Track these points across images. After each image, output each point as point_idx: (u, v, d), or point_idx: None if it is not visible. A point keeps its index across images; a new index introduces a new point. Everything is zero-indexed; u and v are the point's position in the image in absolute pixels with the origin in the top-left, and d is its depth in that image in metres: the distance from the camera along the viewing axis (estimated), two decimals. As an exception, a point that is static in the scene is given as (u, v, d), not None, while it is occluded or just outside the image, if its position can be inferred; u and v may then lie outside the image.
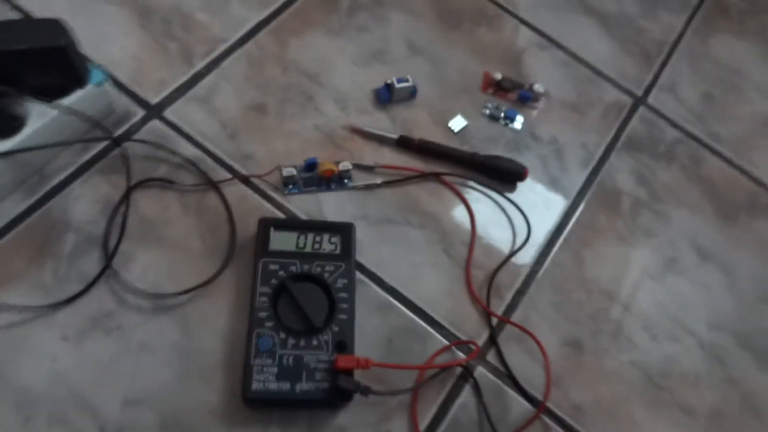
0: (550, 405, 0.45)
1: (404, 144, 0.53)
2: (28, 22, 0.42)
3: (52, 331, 0.42)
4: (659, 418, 0.47)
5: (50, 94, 0.43)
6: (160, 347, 0.42)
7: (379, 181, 0.51)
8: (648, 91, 0.63)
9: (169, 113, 0.51)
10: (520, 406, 0.45)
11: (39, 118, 0.43)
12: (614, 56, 0.64)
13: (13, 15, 0.51)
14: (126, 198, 0.46)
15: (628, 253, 0.53)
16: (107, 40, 0.52)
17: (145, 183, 0.47)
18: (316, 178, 0.50)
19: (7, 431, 0.38)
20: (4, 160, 0.42)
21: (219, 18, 0.56)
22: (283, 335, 0.42)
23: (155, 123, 0.50)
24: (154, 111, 0.51)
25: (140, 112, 0.50)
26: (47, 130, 0.44)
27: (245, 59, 0.55)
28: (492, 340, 0.47)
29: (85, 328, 0.42)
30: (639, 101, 0.62)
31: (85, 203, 0.46)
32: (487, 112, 0.57)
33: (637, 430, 0.46)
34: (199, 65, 0.53)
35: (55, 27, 0.41)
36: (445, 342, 0.46)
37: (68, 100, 0.44)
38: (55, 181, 0.46)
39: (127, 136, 0.49)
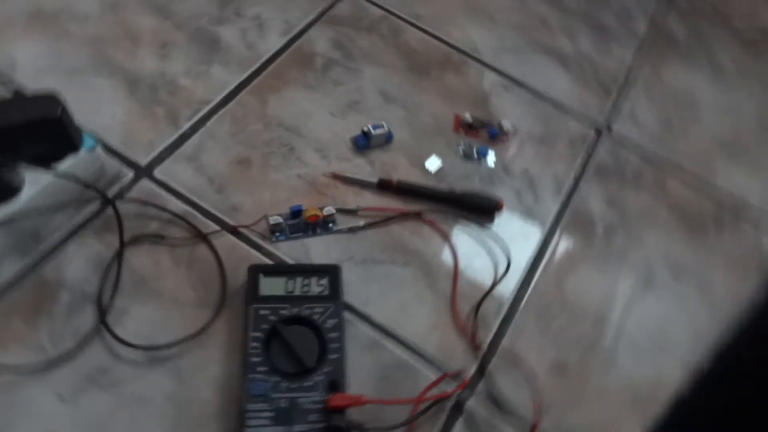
0: (541, 430, 0.46)
1: (384, 186, 0.55)
2: (23, 97, 0.45)
3: (48, 391, 0.42)
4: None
5: (45, 160, 0.46)
6: (155, 399, 0.43)
7: (362, 223, 0.53)
8: (609, 120, 0.67)
9: (158, 172, 0.53)
10: (513, 434, 0.46)
11: (34, 185, 0.46)
12: (574, 91, 0.68)
13: (7, 92, 0.54)
14: (119, 255, 0.48)
15: (606, 275, 0.55)
16: (98, 108, 0.55)
17: (136, 240, 0.49)
18: (302, 224, 0.52)
19: (5, 495, 0.38)
20: (1, 226, 0.44)
21: (201, 82, 0.59)
22: (276, 378, 0.43)
23: (145, 182, 0.52)
24: (144, 171, 0.53)
25: (131, 173, 0.53)
26: (42, 195, 0.46)
27: (228, 118, 0.58)
28: (481, 371, 0.48)
29: (80, 385, 0.43)
30: (602, 130, 0.65)
31: (79, 262, 0.47)
32: (461, 151, 0.60)
33: (632, 449, 0.47)
34: (185, 126, 0.56)
35: (49, 100, 0.44)
36: (435, 376, 0.47)
37: (62, 166, 0.46)
38: (49, 243, 0.48)
39: (119, 196, 0.51)
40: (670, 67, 0.73)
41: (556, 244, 0.56)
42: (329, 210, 0.52)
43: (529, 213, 0.58)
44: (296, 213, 0.52)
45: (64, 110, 0.44)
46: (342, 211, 0.54)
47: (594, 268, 0.55)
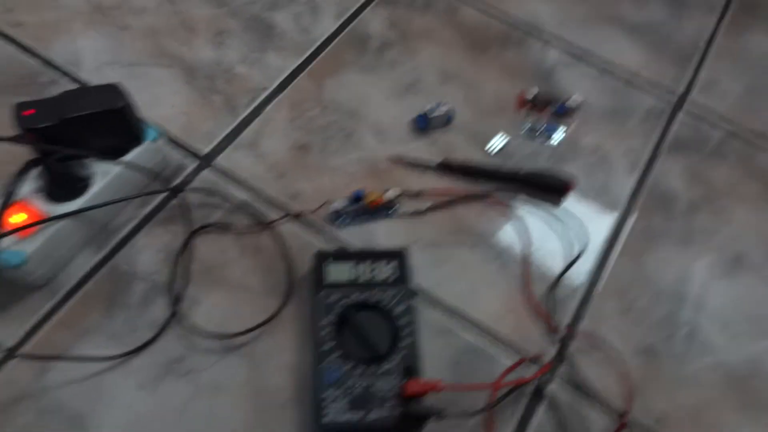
0: (633, 417, 0.44)
1: (446, 168, 0.54)
2: (87, 89, 0.45)
3: (127, 379, 0.43)
4: (751, 421, 0.44)
5: (111, 154, 0.46)
6: (231, 387, 0.43)
7: (425, 206, 0.52)
8: (687, 91, 0.62)
9: (219, 161, 0.53)
10: (600, 420, 0.44)
11: (103, 177, 0.46)
12: (647, 62, 0.64)
13: (73, 86, 0.55)
14: (186, 245, 0.48)
15: (690, 254, 0.52)
16: (158, 100, 0.56)
17: (202, 229, 0.49)
18: (364, 208, 0.51)
19: (91, 481, 0.39)
20: (74, 219, 0.45)
21: (257, 69, 0.59)
22: (349, 365, 0.42)
23: (207, 172, 0.52)
24: (205, 161, 0.53)
25: (192, 163, 0.53)
26: (111, 187, 0.46)
27: (286, 104, 0.57)
28: (561, 354, 0.46)
29: (158, 374, 0.43)
30: (679, 102, 0.61)
31: (149, 253, 0.48)
32: (525, 129, 0.57)
33: (728, 437, 0.44)
34: (243, 114, 0.56)
35: (112, 91, 0.44)
36: (513, 360, 0.45)
37: (127, 158, 0.47)
38: (120, 236, 0.49)
39: (182, 186, 0.51)
40: (753, 33, 0.68)
41: (634, 222, 0.53)
42: (391, 194, 0.51)
43: (602, 191, 0.55)
44: (358, 197, 0.51)
45: (127, 100, 0.44)
46: (405, 194, 0.52)
47: (677, 246, 0.52)
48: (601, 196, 0.54)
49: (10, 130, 0.42)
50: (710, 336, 0.48)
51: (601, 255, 0.51)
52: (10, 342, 0.43)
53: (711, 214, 0.54)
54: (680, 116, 0.60)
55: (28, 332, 0.44)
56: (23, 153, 0.43)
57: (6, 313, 0.44)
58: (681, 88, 0.62)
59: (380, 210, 0.51)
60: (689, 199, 0.55)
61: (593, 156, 0.57)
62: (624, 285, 0.50)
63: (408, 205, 0.52)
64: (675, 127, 0.59)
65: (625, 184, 0.55)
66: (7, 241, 0.42)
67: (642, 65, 0.64)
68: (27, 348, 0.43)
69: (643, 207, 0.54)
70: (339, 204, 0.50)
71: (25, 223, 0.43)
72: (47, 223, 0.43)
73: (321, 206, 0.51)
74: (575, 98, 0.58)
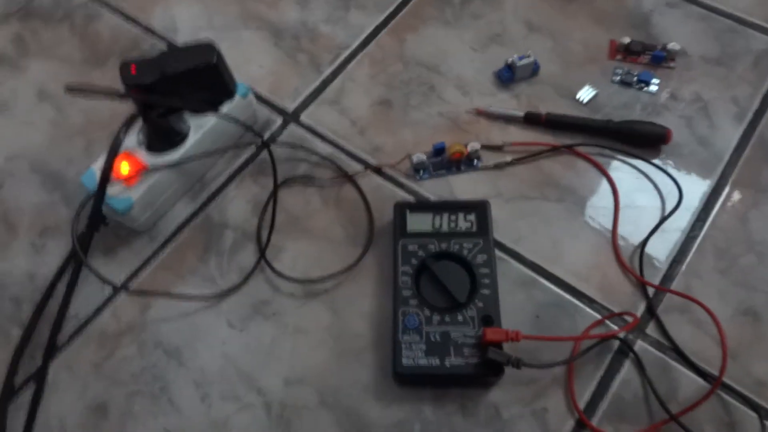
0: (727, 380, 0.41)
1: (532, 120, 0.52)
2: (184, 48, 0.48)
3: (219, 318, 0.46)
4: None
5: (205, 107, 0.49)
6: (313, 330, 0.45)
7: (509, 159, 0.50)
8: (806, 33, 0.56)
9: (304, 117, 0.55)
10: (690, 382, 0.41)
11: (198, 130, 0.49)
12: (760, 1, 0.58)
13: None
14: (273, 196, 0.50)
15: (805, 211, 0.47)
16: (248, 60, 0.58)
17: (288, 181, 0.51)
18: (446, 161, 0.51)
19: (188, 406, 0.43)
20: (174, 170, 0.48)
21: (340, 27, 0.60)
22: (428, 312, 0.42)
23: (293, 127, 0.54)
24: (292, 117, 0.55)
25: (279, 119, 0.55)
26: (206, 140, 0.49)
27: (368, 60, 0.57)
28: (651, 312, 0.44)
29: (247, 314, 0.46)
30: (796, 46, 0.55)
31: (239, 204, 0.51)
32: (618, 78, 0.54)
33: (843, 408, 0.40)
34: (327, 71, 0.57)
35: (206, 48, 0.47)
36: (597, 316, 0.44)
37: (221, 112, 0.49)
38: (213, 187, 0.52)
39: (270, 140, 0.53)
40: None
41: (739, 177, 0.49)
42: (474, 146, 0.50)
43: (703, 143, 0.51)
44: (439, 150, 0.51)
45: (220, 57, 0.46)
46: (487, 147, 0.51)
47: (788, 202, 0.47)
48: (701, 149, 0.50)
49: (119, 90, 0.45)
50: (826, 299, 0.43)
51: (700, 211, 0.48)
52: (118, 280, 0.48)
53: (832, 168, 0.49)
54: (799, 62, 0.54)
55: (133, 273, 0.48)
56: (128, 109, 0.47)
57: (114, 255, 0.49)
58: (801, 31, 0.56)
59: (462, 162, 0.51)
60: (806, 152, 0.50)
61: (693, 106, 0.52)
62: (725, 243, 0.46)
63: (491, 158, 0.51)
64: (792, 73, 0.54)
65: (731, 135, 0.51)
66: (115, 189, 0.46)
67: (753, 4, 0.57)
68: (132, 286, 0.47)
69: (750, 160, 0.49)
70: (420, 157, 0.50)
71: (130, 174, 0.47)
72: (149, 173, 0.47)
73: (402, 159, 0.51)
74: (675, 44, 0.54)
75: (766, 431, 0.39)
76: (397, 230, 0.46)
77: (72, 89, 0.44)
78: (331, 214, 0.50)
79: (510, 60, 0.54)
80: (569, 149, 0.51)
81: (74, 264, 0.45)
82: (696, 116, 0.52)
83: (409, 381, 0.42)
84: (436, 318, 0.42)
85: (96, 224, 0.46)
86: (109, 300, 0.47)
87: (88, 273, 0.45)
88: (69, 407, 0.43)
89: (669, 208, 0.48)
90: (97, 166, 0.46)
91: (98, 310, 0.47)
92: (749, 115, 0.52)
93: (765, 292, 0.44)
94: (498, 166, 0.50)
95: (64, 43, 0.61)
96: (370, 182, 0.51)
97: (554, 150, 0.51)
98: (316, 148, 0.53)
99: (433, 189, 0.50)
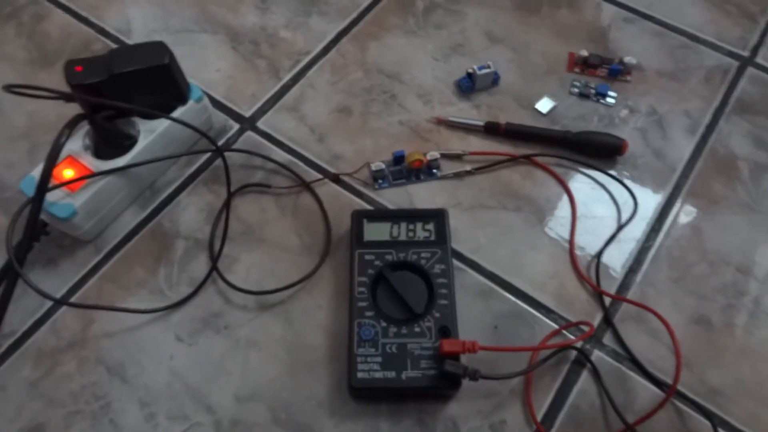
0: (682, 388, 0.41)
1: (491, 130, 0.52)
2: (134, 47, 0.46)
3: (167, 332, 0.44)
4: (818, 401, 0.41)
5: (155, 112, 0.47)
6: (266, 343, 0.43)
7: (468, 168, 0.50)
8: (755, 50, 0.58)
9: (261, 124, 0.53)
10: (646, 391, 0.41)
11: (148, 135, 0.47)
12: (710, 20, 0.60)
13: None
14: (227, 204, 0.48)
15: (755, 221, 0.48)
16: (205, 65, 0.56)
17: (243, 189, 0.50)
18: (405, 170, 0.50)
19: (131, 427, 0.40)
20: (120, 176, 0.46)
21: (301, 33, 0.59)
22: (384, 324, 0.41)
23: (250, 134, 0.53)
24: (248, 123, 0.53)
25: (236, 126, 0.53)
26: (156, 145, 0.47)
27: (329, 67, 0.57)
28: (607, 321, 0.44)
29: (196, 328, 0.44)
30: (746, 62, 0.57)
31: (192, 212, 0.49)
32: (576, 90, 0.55)
33: (792, 415, 0.40)
34: (287, 77, 0.56)
35: (158, 48, 0.45)
36: (555, 326, 0.43)
37: (173, 115, 0.48)
38: (164, 194, 0.50)
39: (225, 147, 0.52)
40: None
41: (692, 188, 0.50)
42: (434, 155, 0.49)
43: (657, 155, 0.51)
44: (399, 159, 0.50)
45: (172, 57, 0.45)
46: (447, 156, 0.51)
47: (739, 213, 0.48)
48: (656, 161, 0.51)
49: (63, 90, 0.43)
50: (775, 309, 0.44)
51: (654, 221, 0.48)
52: (59, 293, 0.45)
53: (780, 180, 0.50)
54: (746, 77, 0.56)
55: (76, 284, 0.46)
56: (74, 111, 0.44)
57: (55, 266, 0.46)
58: (749, 47, 0.58)
59: (422, 171, 0.50)
60: (754, 163, 0.51)
61: (648, 119, 0.53)
62: (679, 252, 0.47)
63: (450, 167, 0.50)
64: (742, 87, 0.55)
65: (684, 148, 0.52)
66: (57, 195, 0.44)
67: (705, 23, 0.59)
68: (74, 299, 0.45)
69: (702, 172, 0.50)
70: (379, 165, 0.49)
71: (73, 178, 0.44)
72: (94, 179, 0.45)
73: (361, 167, 0.50)
74: (631, 58, 0.55)
75: (719, 440, 0.39)
76: (354, 239, 0.45)
77: (12, 88, 0.41)
78: (287, 223, 0.48)
79: (471, 70, 0.54)
80: (528, 159, 0.51)
81: (9, 276, 0.42)
82: (651, 128, 0.53)
83: (365, 395, 0.41)
84: (392, 329, 0.41)
85: (35, 233, 0.44)
86: (47, 314, 0.44)
87: (26, 286, 0.43)
88: (2, 430, 0.40)
89: (625, 218, 0.48)
90: (38, 172, 0.44)
91: (36, 326, 0.44)
92: (701, 128, 0.53)
93: (717, 301, 0.45)
94: (458, 175, 0.50)
95: (8, 43, 0.58)
96: (328, 191, 0.50)
97: (513, 160, 0.50)
98: (272, 155, 0.51)
99: (391, 198, 0.49)
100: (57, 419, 0.40)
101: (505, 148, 0.51)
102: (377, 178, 0.50)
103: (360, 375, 0.39)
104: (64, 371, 0.42)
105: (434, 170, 0.50)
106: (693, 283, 0.45)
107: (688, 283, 0.45)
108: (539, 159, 0.51)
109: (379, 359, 0.40)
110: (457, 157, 0.51)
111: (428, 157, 0.49)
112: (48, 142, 0.42)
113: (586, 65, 0.56)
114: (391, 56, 0.57)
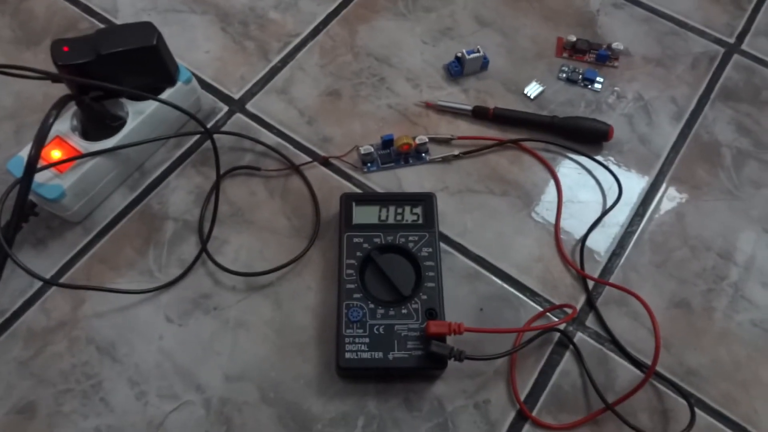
0: (661, 369, 0.42)
1: (479, 114, 0.52)
2: (121, 27, 0.45)
3: (157, 312, 0.44)
4: (791, 381, 0.42)
5: (145, 92, 0.47)
6: (255, 324, 0.44)
7: (456, 152, 0.50)
8: (741, 37, 0.58)
9: (250, 106, 0.53)
10: (626, 372, 0.42)
11: (137, 116, 0.47)
12: (698, 6, 0.60)
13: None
14: (216, 186, 0.48)
15: (736, 207, 0.49)
16: (193, 45, 0.56)
17: (232, 171, 0.50)
18: (394, 154, 0.50)
19: (122, 405, 0.41)
20: (109, 157, 0.46)
21: (291, 15, 0.58)
22: (372, 306, 0.42)
23: (239, 116, 0.53)
24: (237, 105, 0.53)
25: (225, 108, 0.53)
26: (144, 127, 0.47)
27: (318, 50, 0.56)
28: (590, 304, 0.45)
29: (186, 309, 0.44)
30: (732, 49, 0.57)
31: (181, 194, 0.49)
32: (564, 75, 0.55)
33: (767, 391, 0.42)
34: (276, 59, 0.56)
35: (146, 29, 0.45)
36: (539, 308, 0.44)
37: (162, 97, 0.47)
38: (153, 176, 0.50)
39: (214, 129, 0.52)
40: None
41: (676, 174, 0.51)
42: (422, 139, 0.50)
43: (642, 140, 0.52)
44: (387, 143, 0.50)
45: (160, 38, 0.45)
46: (435, 140, 0.51)
47: (720, 199, 0.49)
48: (641, 147, 0.52)
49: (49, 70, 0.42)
50: (753, 292, 0.45)
51: (638, 206, 0.49)
52: (48, 273, 0.45)
53: (760, 166, 0.51)
54: (732, 64, 0.56)
55: (65, 264, 0.46)
56: (61, 92, 0.44)
57: (45, 247, 0.46)
58: (734, 34, 0.58)
59: (410, 155, 0.51)
60: (737, 150, 0.52)
61: (635, 104, 0.54)
62: (661, 237, 0.48)
63: (439, 152, 0.51)
64: (727, 75, 0.56)
65: (669, 134, 0.52)
66: (45, 176, 0.44)
67: (692, 9, 0.60)
68: (63, 280, 0.45)
69: (686, 158, 0.51)
70: (368, 148, 0.50)
71: (60, 159, 0.44)
72: (83, 160, 0.45)
73: (350, 151, 0.50)
74: (618, 44, 0.55)
75: (695, 418, 0.40)
76: (343, 222, 0.45)
77: (-4, 69, 0.41)
78: (276, 206, 0.48)
79: (460, 54, 0.54)
80: (515, 143, 0.51)
81: (-2, 256, 0.43)
82: (636, 114, 0.53)
83: (353, 375, 0.42)
84: (380, 311, 0.42)
85: (23, 214, 0.43)
86: (37, 294, 0.44)
87: (15, 267, 0.43)
88: (-8, 407, 0.41)
89: (610, 203, 0.49)
90: (25, 153, 0.43)
91: (26, 306, 0.44)
92: (686, 115, 0.54)
93: (697, 285, 0.46)
94: (446, 159, 0.50)
95: (-8, 21, 0.57)
96: (317, 174, 0.50)
97: (501, 144, 0.51)
98: (261, 138, 0.51)
99: (380, 181, 0.50)
100: (48, 398, 0.41)
101: (493, 132, 0.52)
102: (366, 161, 0.50)
103: (348, 355, 0.40)
104: (55, 350, 0.42)
105: (423, 154, 0.50)
106: (674, 268, 0.46)
107: (670, 267, 0.46)
108: (527, 144, 0.51)
109: (366, 340, 0.41)
110: (446, 142, 0.51)
111: (417, 141, 0.50)
112: (35, 122, 0.41)
113: (574, 50, 0.56)
114: (381, 39, 0.57)
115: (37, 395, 0.41)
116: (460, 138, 0.51)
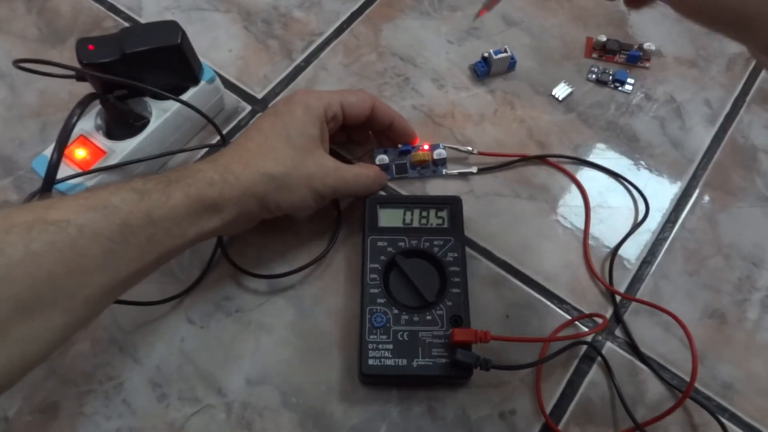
0: (697, 384, 0.41)
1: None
2: (146, 26, 0.45)
3: (179, 314, 0.44)
4: (830, 397, 0.40)
5: (168, 91, 0.46)
6: (277, 327, 0.43)
7: (474, 169, 0.49)
8: (779, 38, 0.56)
9: (273, 106, 0.53)
10: (657, 385, 0.41)
11: (161, 115, 0.46)
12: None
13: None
14: (239, 187, 0.48)
15: (773, 215, 0.47)
16: (216, 44, 0.55)
17: (255, 172, 0.49)
18: (410, 164, 0.49)
19: (143, 407, 0.41)
20: (133, 157, 0.46)
21: (314, 13, 0.58)
22: (396, 311, 0.41)
23: (261, 116, 0.52)
24: (260, 105, 0.53)
25: (248, 107, 0.53)
26: (169, 125, 0.47)
27: (342, 49, 0.56)
28: (618, 315, 0.43)
29: (208, 311, 0.44)
30: (769, 50, 0.55)
31: (203, 194, 0.48)
32: (593, 76, 0.53)
33: (803, 411, 0.40)
34: (299, 59, 0.55)
35: (170, 28, 0.44)
36: (567, 317, 0.43)
37: (184, 97, 0.47)
38: (175, 176, 0.49)
39: (236, 130, 0.51)
40: None
41: (709, 180, 0.49)
42: (440, 153, 0.48)
43: (675, 144, 0.50)
44: (404, 153, 0.49)
45: (184, 37, 0.44)
46: (454, 149, 0.49)
47: (756, 206, 0.48)
48: (673, 151, 0.50)
49: (75, 67, 0.42)
50: (790, 304, 0.44)
51: (670, 213, 0.47)
52: (73, 272, 0.45)
53: (800, 173, 0.49)
54: (771, 67, 0.55)
55: (89, 264, 0.45)
56: (86, 90, 0.44)
57: (69, 245, 0.46)
58: (773, 36, 0.56)
59: (427, 169, 0.49)
60: (775, 156, 0.50)
61: (667, 107, 0.52)
62: (694, 245, 0.46)
63: (459, 164, 0.49)
64: (762, 76, 0.54)
65: (703, 138, 0.51)
66: (68, 174, 0.44)
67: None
68: (88, 279, 0.45)
69: (720, 163, 0.50)
70: (383, 158, 0.48)
71: (86, 160, 0.44)
72: (107, 161, 0.44)
73: (366, 153, 0.50)
74: (650, 44, 0.54)
75: (728, 434, 0.39)
76: (368, 225, 0.44)
77: (22, 64, 0.41)
78: (299, 208, 0.48)
79: (486, 54, 0.53)
80: (541, 159, 0.49)
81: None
82: (669, 117, 0.52)
83: (376, 381, 0.41)
84: (404, 317, 0.41)
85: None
86: (60, 293, 0.44)
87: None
88: (18, 408, 0.41)
89: (641, 210, 0.47)
90: (50, 151, 0.43)
91: (49, 304, 0.44)
92: (721, 118, 0.52)
93: (731, 295, 0.44)
94: (462, 175, 0.49)
95: (18, 19, 0.57)
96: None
97: (525, 160, 0.49)
98: (285, 138, 0.51)
99: (404, 184, 0.49)
100: (71, 398, 0.41)
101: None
102: (385, 168, 0.49)
103: (371, 362, 0.39)
104: (78, 351, 0.42)
105: (440, 167, 0.49)
106: (708, 277, 0.45)
107: (703, 276, 0.45)
108: (553, 160, 0.49)
109: (390, 346, 0.40)
110: (465, 155, 0.49)
111: (435, 155, 0.48)
112: (59, 120, 0.41)
113: (604, 51, 0.55)
114: (405, 38, 0.56)
115: (60, 395, 0.41)
116: (481, 154, 0.49)
